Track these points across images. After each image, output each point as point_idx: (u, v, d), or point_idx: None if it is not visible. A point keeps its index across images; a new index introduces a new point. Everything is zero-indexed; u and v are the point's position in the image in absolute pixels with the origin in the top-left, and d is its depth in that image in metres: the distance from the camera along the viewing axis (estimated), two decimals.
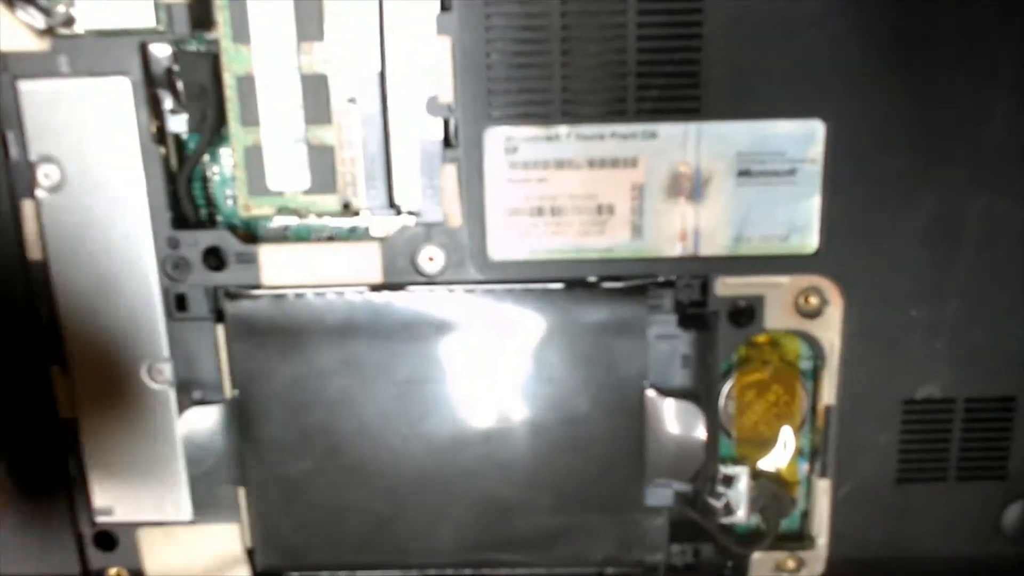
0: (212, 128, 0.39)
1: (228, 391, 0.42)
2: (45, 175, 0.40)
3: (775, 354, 0.43)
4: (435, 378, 0.41)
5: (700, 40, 0.36)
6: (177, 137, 0.41)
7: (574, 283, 0.40)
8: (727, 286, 0.40)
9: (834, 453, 0.42)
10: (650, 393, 0.41)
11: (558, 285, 0.40)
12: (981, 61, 0.37)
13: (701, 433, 0.41)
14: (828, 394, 0.41)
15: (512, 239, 0.39)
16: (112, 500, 0.44)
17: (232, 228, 0.41)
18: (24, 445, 0.43)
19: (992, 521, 0.43)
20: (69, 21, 0.38)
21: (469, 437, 0.41)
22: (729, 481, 0.43)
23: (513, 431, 0.41)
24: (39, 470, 0.43)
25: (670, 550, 0.44)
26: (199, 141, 0.40)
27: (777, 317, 0.40)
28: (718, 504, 0.43)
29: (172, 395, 0.42)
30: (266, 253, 0.40)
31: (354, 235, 0.42)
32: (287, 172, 0.39)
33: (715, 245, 0.39)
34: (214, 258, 0.40)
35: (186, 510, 0.44)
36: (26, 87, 0.39)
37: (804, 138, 0.38)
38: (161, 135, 0.40)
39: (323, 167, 0.39)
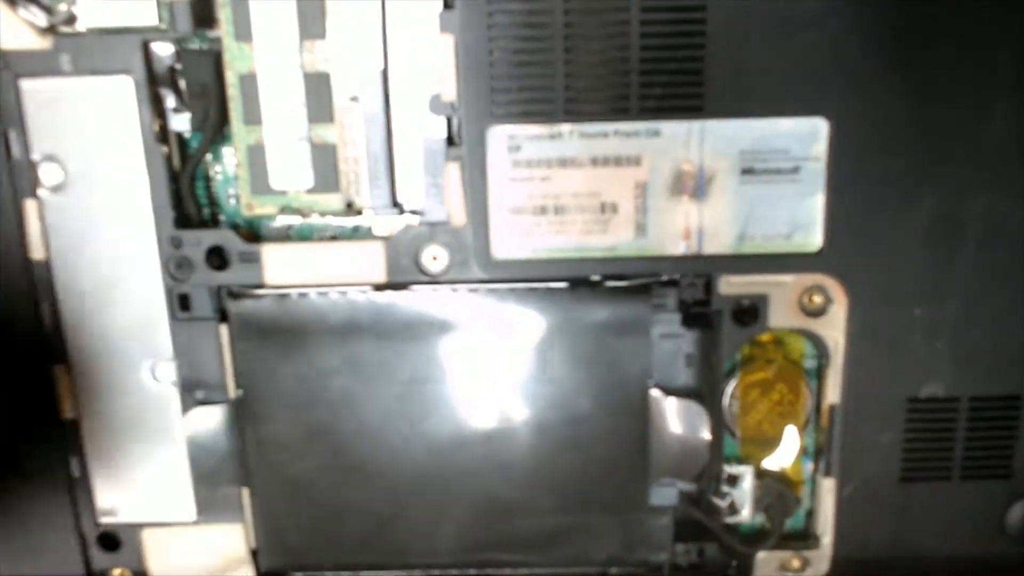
0: (215, 127, 0.39)
1: (232, 391, 0.42)
2: (47, 174, 0.40)
3: (779, 353, 0.43)
4: (439, 377, 0.41)
5: (703, 38, 0.36)
6: (180, 136, 0.41)
7: (578, 282, 0.40)
8: (731, 285, 0.40)
9: (838, 452, 0.42)
10: (654, 392, 0.41)
11: (562, 284, 0.40)
12: (981, 61, 0.37)
13: (705, 432, 0.41)
14: (832, 393, 0.41)
15: (515, 238, 0.39)
16: (115, 501, 0.44)
17: (235, 227, 0.41)
18: (27, 446, 0.43)
19: (996, 520, 0.43)
20: (71, 19, 0.38)
21: (474, 437, 0.41)
22: (733, 480, 0.43)
23: (517, 431, 0.41)
24: (42, 471, 0.43)
25: (674, 550, 0.44)
26: (202, 140, 0.40)
27: (781, 316, 0.40)
28: (722, 503, 0.43)
29: (175, 395, 0.42)
30: (269, 253, 0.40)
31: (357, 234, 0.42)
32: (290, 171, 0.39)
33: (719, 244, 0.39)
34: (217, 258, 0.40)
35: (190, 511, 0.44)
36: (28, 86, 0.39)
37: (807, 136, 0.38)
38: (164, 134, 0.40)
39: (326, 166, 0.39)
